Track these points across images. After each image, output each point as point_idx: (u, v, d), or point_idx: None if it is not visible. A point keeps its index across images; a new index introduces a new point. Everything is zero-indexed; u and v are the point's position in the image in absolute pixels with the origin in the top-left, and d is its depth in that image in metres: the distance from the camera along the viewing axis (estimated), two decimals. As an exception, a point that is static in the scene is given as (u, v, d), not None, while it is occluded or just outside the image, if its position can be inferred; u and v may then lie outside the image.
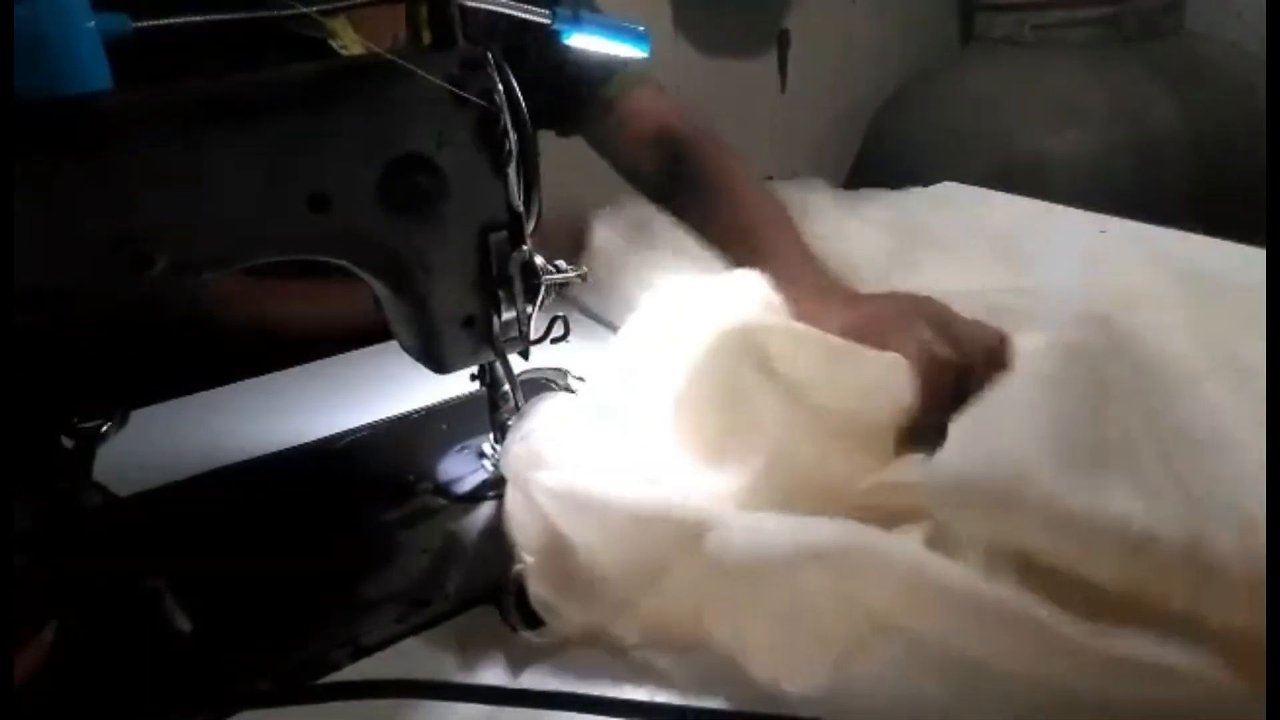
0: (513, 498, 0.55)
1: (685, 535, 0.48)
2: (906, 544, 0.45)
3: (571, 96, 0.92)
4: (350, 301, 0.70)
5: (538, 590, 0.49)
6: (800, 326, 0.58)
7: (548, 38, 0.58)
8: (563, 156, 0.99)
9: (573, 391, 0.69)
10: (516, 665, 0.48)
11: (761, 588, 0.46)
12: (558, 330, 0.59)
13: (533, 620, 0.49)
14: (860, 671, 0.43)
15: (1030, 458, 0.44)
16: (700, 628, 0.48)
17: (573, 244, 0.90)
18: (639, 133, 0.92)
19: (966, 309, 0.62)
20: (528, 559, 0.51)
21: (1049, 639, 0.39)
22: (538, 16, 0.54)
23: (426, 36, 0.51)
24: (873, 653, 0.43)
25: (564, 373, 0.72)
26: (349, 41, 0.78)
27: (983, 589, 0.41)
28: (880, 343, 0.57)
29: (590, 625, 0.49)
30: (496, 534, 0.54)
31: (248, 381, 0.80)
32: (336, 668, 0.49)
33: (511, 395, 0.60)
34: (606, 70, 0.90)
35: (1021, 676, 0.40)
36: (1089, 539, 0.42)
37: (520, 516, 0.53)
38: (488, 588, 0.52)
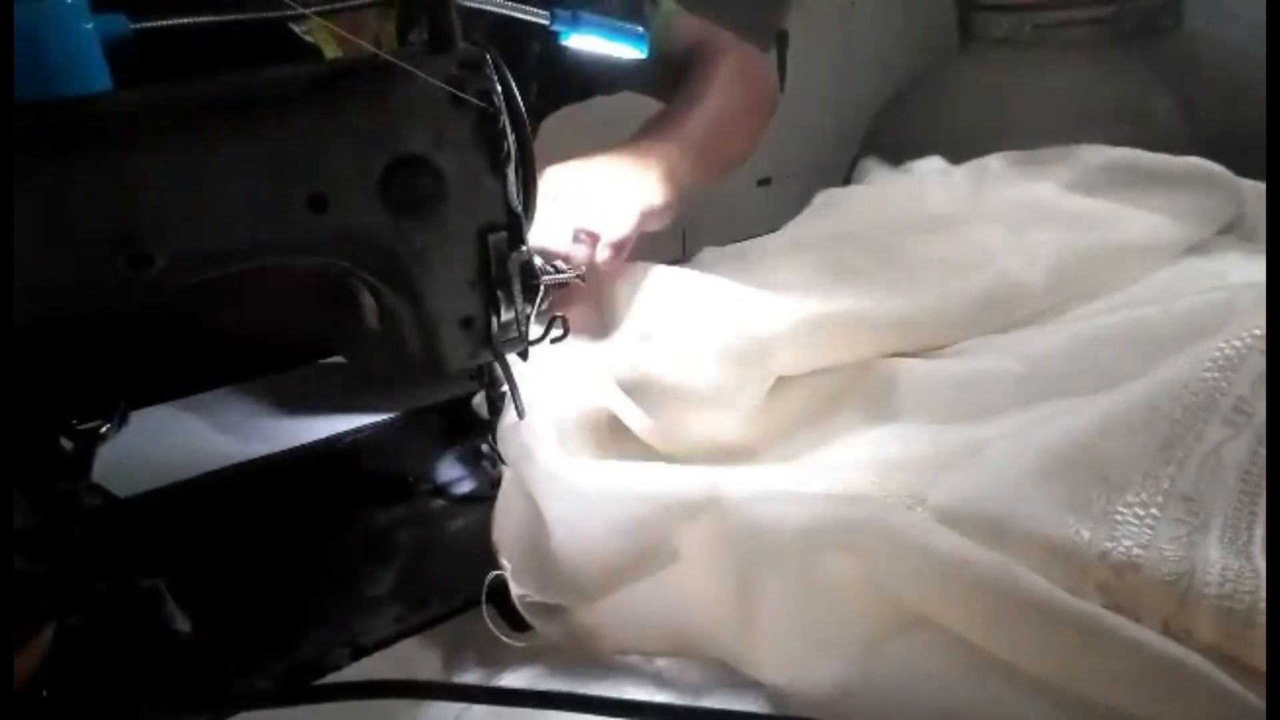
0: (502, 495, 0.55)
1: (689, 509, 0.45)
2: (942, 529, 0.41)
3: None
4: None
5: (521, 593, 0.49)
6: None
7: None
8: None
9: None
10: (516, 665, 0.48)
11: (773, 569, 0.43)
12: (557, 330, 0.59)
13: (518, 624, 0.49)
14: (880, 669, 0.40)
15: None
16: (700, 621, 0.47)
17: None
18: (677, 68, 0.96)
19: None
20: (506, 564, 0.51)
21: (1102, 645, 0.36)
22: (536, 17, 0.54)
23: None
24: (896, 648, 0.40)
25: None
26: (323, 42, 0.76)
27: (1029, 584, 0.37)
28: None
29: (580, 626, 0.49)
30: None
31: (248, 382, 0.80)
32: (336, 668, 0.49)
33: (511, 395, 0.60)
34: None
35: (1060, 685, 0.37)
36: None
37: (506, 517, 0.53)
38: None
